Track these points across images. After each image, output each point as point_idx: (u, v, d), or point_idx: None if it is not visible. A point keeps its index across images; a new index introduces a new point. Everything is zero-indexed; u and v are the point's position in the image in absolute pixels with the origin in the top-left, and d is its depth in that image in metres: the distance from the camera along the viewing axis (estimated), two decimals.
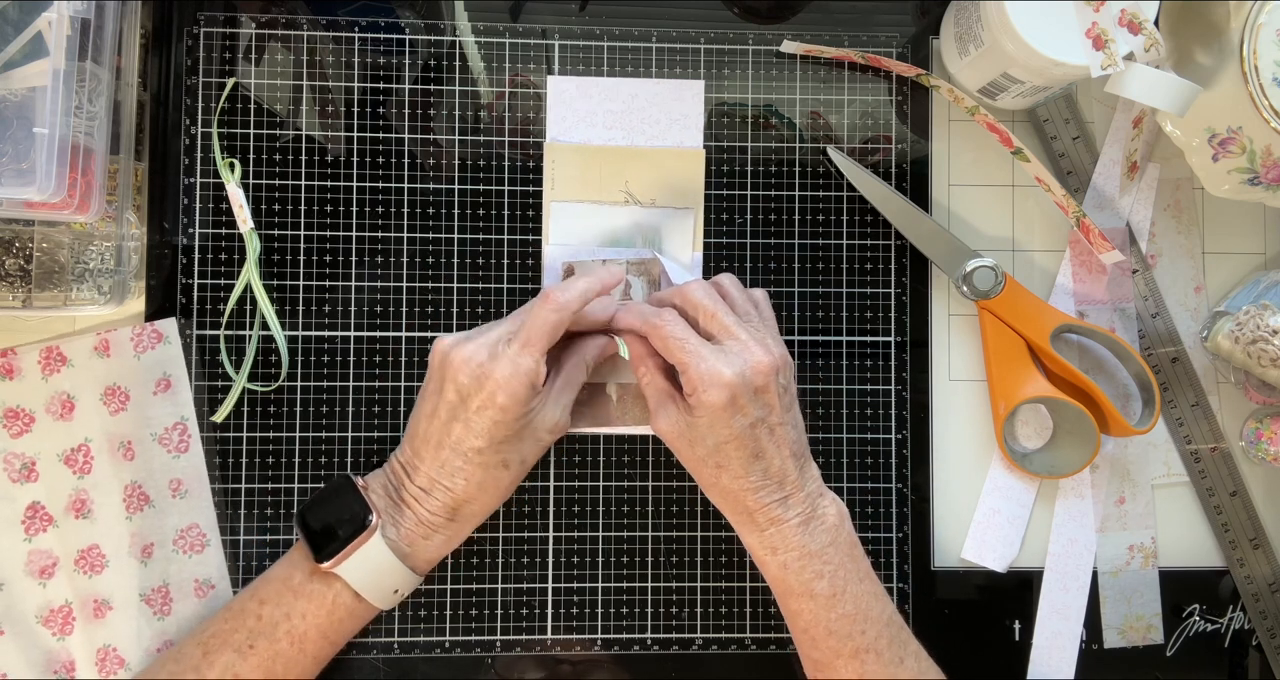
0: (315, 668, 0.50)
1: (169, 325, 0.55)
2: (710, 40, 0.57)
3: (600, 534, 0.56)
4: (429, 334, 0.56)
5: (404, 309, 0.56)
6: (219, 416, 0.55)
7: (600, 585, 0.56)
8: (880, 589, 0.50)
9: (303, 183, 0.56)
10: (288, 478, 0.55)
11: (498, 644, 0.55)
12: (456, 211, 0.56)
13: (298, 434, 0.55)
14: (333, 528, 0.48)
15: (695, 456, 0.49)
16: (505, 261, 0.56)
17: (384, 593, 0.49)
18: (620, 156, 0.56)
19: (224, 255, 0.55)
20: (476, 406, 0.47)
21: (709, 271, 0.57)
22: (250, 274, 0.54)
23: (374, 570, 0.48)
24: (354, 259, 0.56)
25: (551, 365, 0.52)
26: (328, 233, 0.56)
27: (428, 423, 0.49)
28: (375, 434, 0.55)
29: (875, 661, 0.48)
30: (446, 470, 0.48)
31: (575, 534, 0.56)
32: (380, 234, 0.56)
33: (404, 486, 0.49)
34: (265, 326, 0.55)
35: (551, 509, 0.56)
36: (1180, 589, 0.58)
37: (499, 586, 0.56)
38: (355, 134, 0.56)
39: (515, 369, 0.47)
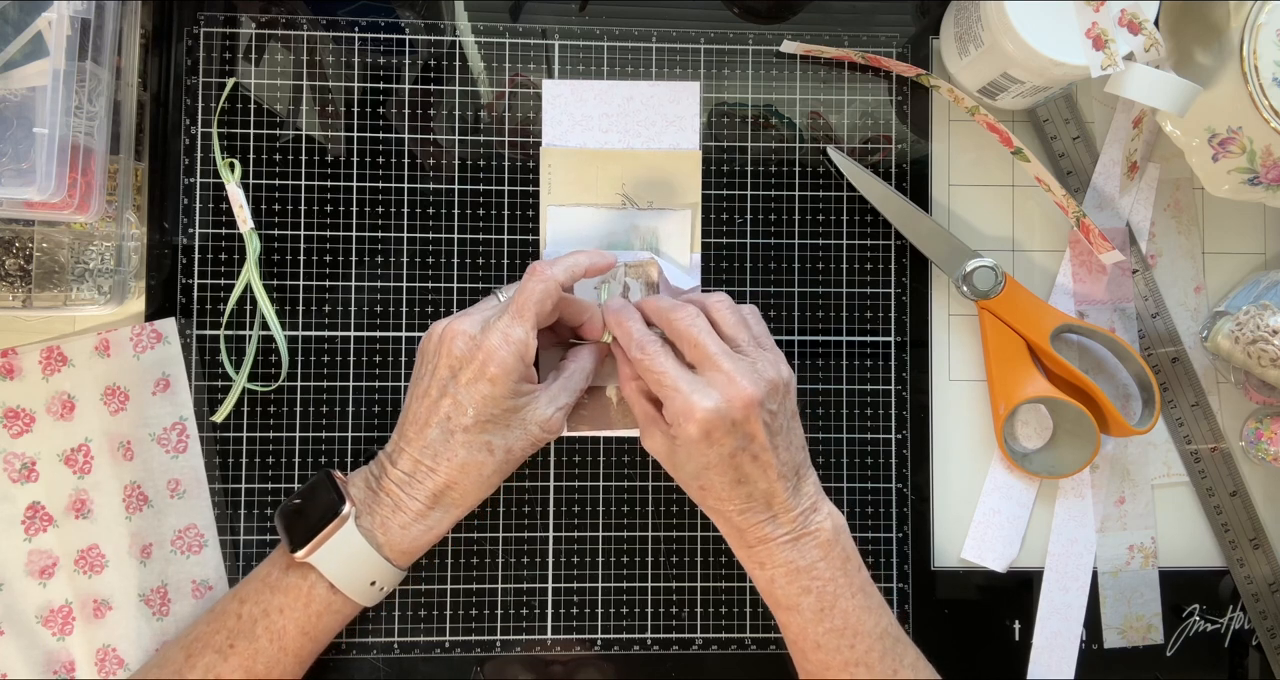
0: (298, 667, 0.50)
1: (169, 325, 0.55)
2: (710, 40, 0.57)
3: (600, 534, 0.56)
4: None
5: (404, 309, 0.56)
6: (219, 416, 0.55)
7: (600, 585, 0.56)
8: (875, 601, 0.49)
9: (303, 183, 0.56)
10: (287, 478, 0.55)
11: (498, 644, 0.55)
12: (456, 212, 0.56)
13: (297, 434, 0.55)
14: (307, 519, 0.48)
15: (680, 478, 0.50)
16: (505, 261, 0.56)
17: (360, 584, 0.49)
18: (616, 159, 0.56)
19: (224, 255, 0.55)
20: (467, 380, 0.47)
21: (709, 272, 0.57)
22: (250, 274, 0.54)
23: (348, 559, 0.48)
24: (354, 259, 0.56)
25: (552, 369, 0.52)
26: (328, 233, 0.56)
27: (418, 403, 0.49)
28: (375, 434, 0.55)
29: (866, 675, 0.48)
30: (430, 451, 0.48)
31: (575, 534, 0.56)
32: (380, 234, 0.56)
33: (386, 474, 0.49)
34: (265, 326, 0.55)
35: (551, 509, 0.56)
36: (1180, 589, 0.58)
37: (499, 586, 0.56)
38: (355, 134, 0.56)
39: (505, 338, 0.47)
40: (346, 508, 0.48)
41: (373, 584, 0.49)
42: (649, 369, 0.48)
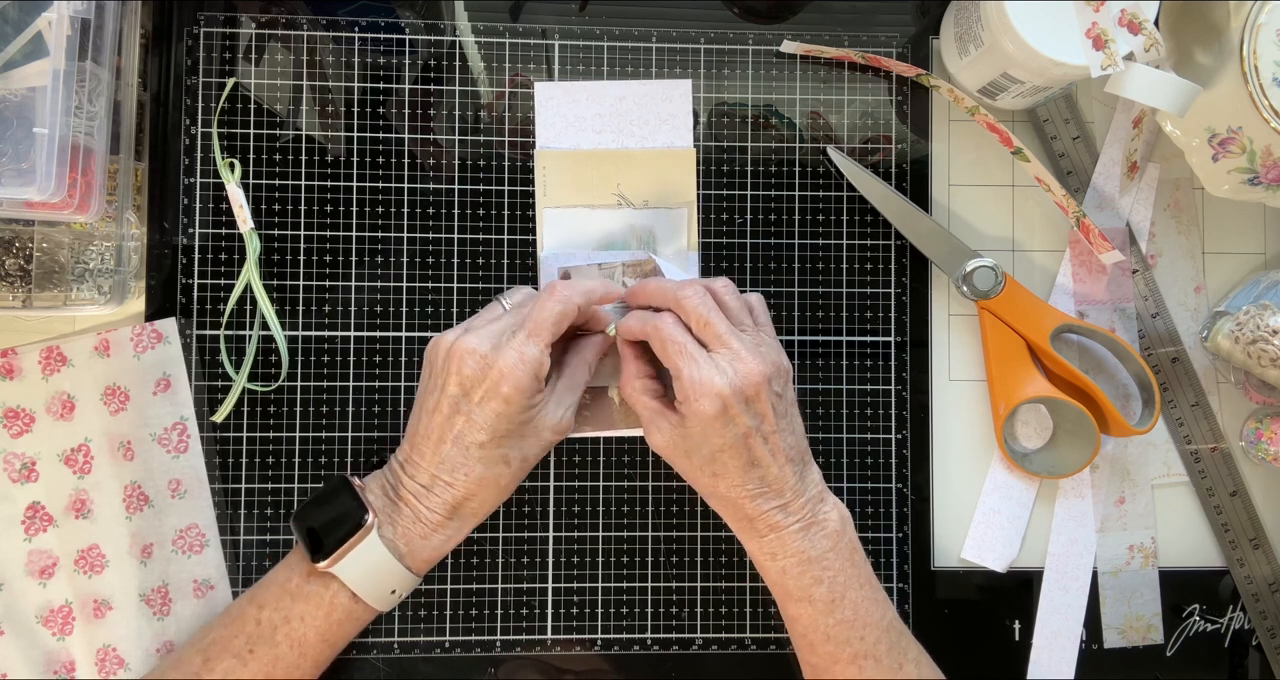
0: (315, 671, 0.50)
1: (169, 325, 0.55)
2: (710, 40, 0.57)
3: (600, 534, 0.56)
4: (428, 334, 0.56)
5: (404, 309, 0.56)
6: (219, 416, 0.55)
7: (600, 585, 0.56)
8: (881, 594, 0.50)
9: (303, 183, 0.56)
10: (288, 478, 0.55)
11: (498, 644, 0.55)
12: (456, 212, 0.56)
13: (298, 434, 0.55)
14: (329, 528, 0.48)
15: (692, 466, 0.49)
16: (505, 261, 0.56)
17: (381, 593, 0.49)
18: (611, 160, 0.56)
19: (224, 255, 0.55)
20: (480, 398, 0.47)
21: (708, 272, 0.57)
22: (250, 274, 0.54)
23: (371, 570, 0.48)
24: (354, 259, 0.56)
25: (553, 368, 0.52)
26: (328, 233, 0.56)
27: (429, 419, 0.48)
28: (375, 434, 0.55)
29: (874, 667, 0.48)
30: (447, 466, 0.48)
31: (575, 534, 0.56)
32: (380, 234, 0.56)
33: (402, 485, 0.49)
34: (265, 326, 0.55)
35: (551, 509, 0.56)
36: (1180, 589, 0.58)
37: (499, 586, 0.56)
38: (355, 134, 0.56)
39: (520, 357, 0.47)
40: (370, 518, 0.48)
41: (393, 592, 0.49)
42: (668, 337, 0.48)
